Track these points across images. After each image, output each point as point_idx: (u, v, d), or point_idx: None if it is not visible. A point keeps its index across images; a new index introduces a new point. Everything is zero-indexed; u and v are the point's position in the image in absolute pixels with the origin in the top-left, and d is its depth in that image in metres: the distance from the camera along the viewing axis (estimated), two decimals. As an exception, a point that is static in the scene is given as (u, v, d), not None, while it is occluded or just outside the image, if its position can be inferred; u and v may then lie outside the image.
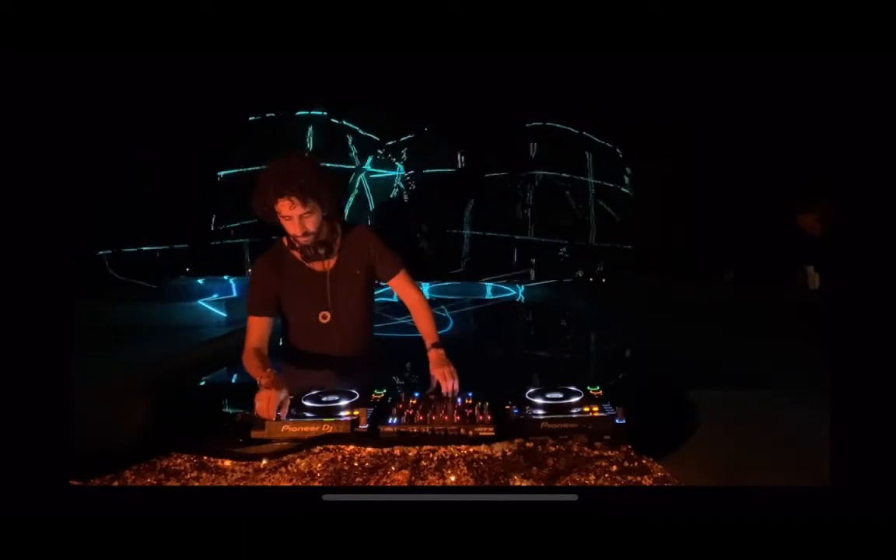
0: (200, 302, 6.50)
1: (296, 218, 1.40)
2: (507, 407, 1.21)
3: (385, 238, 1.60)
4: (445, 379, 1.35)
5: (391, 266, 1.57)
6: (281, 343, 1.60)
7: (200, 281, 7.09)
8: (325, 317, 1.53)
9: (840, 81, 0.89)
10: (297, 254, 1.50)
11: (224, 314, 6.62)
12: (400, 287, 1.59)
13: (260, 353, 1.44)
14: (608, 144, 8.99)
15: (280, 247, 1.54)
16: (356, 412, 1.18)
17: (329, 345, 1.55)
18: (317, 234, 1.45)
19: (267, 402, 1.18)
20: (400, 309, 1.72)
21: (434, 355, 1.46)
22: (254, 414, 1.20)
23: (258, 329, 1.49)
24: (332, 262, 1.54)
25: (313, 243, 1.46)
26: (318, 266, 1.53)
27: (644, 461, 0.98)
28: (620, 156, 9.04)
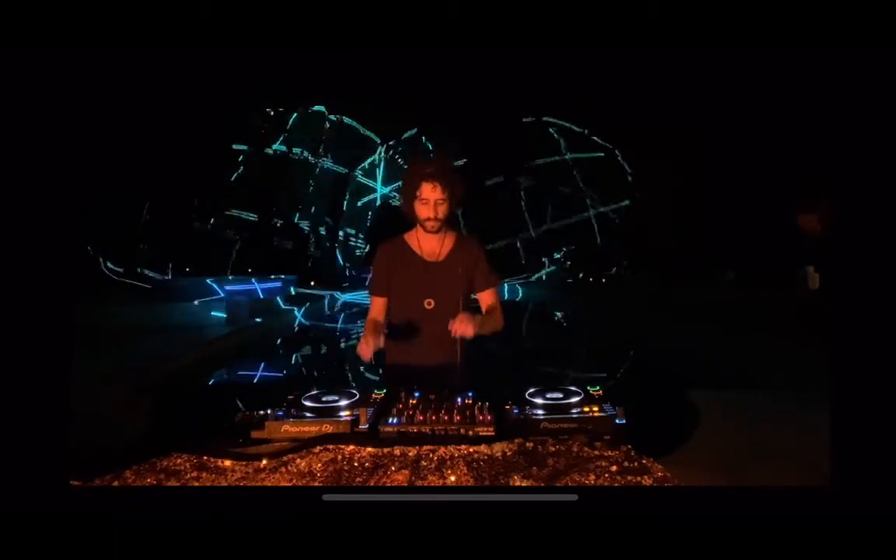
0: (197, 302, 6.48)
1: (432, 202, 1.66)
2: (507, 407, 1.21)
3: (489, 255, 1.84)
4: (461, 322, 1.51)
5: (487, 280, 1.78)
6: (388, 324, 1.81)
7: (199, 281, 7.09)
8: (429, 303, 1.73)
9: (841, 80, 0.88)
10: (413, 246, 1.76)
11: (223, 315, 6.62)
12: (487, 300, 1.80)
13: (376, 322, 1.72)
14: (609, 144, 8.97)
15: (400, 240, 1.79)
16: (356, 412, 1.18)
17: (431, 329, 1.71)
18: (442, 224, 1.70)
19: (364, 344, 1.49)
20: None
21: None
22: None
23: (376, 306, 1.78)
24: (442, 257, 1.76)
25: (435, 230, 1.70)
26: (429, 258, 1.75)
27: (644, 461, 0.98)
28: (620, 156, 9.03)
